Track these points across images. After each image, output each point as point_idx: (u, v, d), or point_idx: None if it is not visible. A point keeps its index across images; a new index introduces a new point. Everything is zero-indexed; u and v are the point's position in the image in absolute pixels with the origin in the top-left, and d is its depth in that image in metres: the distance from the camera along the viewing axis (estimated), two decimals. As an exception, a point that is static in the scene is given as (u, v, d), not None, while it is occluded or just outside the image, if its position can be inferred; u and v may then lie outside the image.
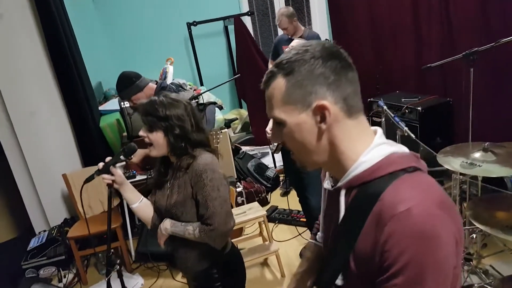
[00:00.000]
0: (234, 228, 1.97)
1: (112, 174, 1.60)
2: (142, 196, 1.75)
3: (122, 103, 3.43)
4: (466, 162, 1.98)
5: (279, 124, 0.83)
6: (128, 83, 2.78)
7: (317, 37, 3.79)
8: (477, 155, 2.01)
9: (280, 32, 4.22)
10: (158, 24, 4.90)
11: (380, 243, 0.70)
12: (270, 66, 4.03)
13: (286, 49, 0.97)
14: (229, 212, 1.58)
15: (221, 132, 3.31)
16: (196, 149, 1.58)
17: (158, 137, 1.55)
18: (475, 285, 2.13)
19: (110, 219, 1.71)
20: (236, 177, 4.03)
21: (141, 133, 1.58)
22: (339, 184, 0.83)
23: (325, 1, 5.24)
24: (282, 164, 4.18)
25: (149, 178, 3.23)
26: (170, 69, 4.46)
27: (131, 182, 3.31)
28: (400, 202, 0.70)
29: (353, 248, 0.77)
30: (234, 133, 5.23)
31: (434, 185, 0.75)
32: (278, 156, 4.83)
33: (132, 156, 1.77)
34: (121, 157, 1.62)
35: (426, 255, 0.67)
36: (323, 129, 0.80)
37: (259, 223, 2.94)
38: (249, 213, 2.82)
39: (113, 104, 4.09)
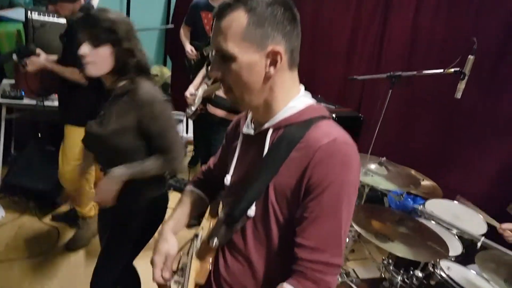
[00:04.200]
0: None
1: None
2: None
3: (29, 13, 2.96)
4: (361, 170, 2.13)
5: (227, 58, 0.82)
6: None
7: None
8: (372, 166, 2.17)
9: None
10: None
11: (307, 170, 0.81)
12: (182, 31, 3.61)
13: None
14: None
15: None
16: (138, 75, 1.45)
17: (104, 53, 1.39)
18: (338, 280, 2.31)
19: None
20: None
21: (83, 50, 1.37)
22: (267, 125, 0.90)
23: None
24: (192, 135, 4.06)
25: (38, 105, 2.86)
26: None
27: (16, 104, 2.96)
28: (325, 136, 0.82)
29: (274, 177, 0.85)
30: (150, 90, 4.91)
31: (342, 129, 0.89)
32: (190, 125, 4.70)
33: (27, 61, 1.51)
34: (14, 56, 1.38)
35: (346, 175, 0.81)
36: (270, 73, 0.84)
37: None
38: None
39: (17, 13, 3.50)
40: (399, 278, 1.92)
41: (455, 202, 2.66)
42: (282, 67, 0.85)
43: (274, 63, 0.83)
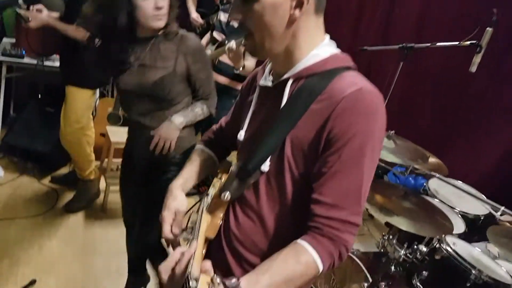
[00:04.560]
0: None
1: None
2: None
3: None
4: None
5: None
6: None
7: None
8: (380, 140, 2.12)
9: None
10: None
11: (329, 122, 0.76)
12: None
13: None
14: None
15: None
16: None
17: (167, 2, 1.41)
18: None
19: None
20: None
21: (163, 3, 1.37)
22: (287, 75, 0.84)
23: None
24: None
25: (38, 65, 2.78)
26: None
27: (16, 63, 2.88)
28: (349, 86, 0.76)
29: (292, 131, 0.80)
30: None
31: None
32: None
33: (29, 16, 1.43)
34: (20, 0, 1.32)
35: (371, 126, 0.75)
36: (295, 16, 0.78)
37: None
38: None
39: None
40: (402, 252, 1.91)
41: (459, 182, 2.64)
42: (308, 10, 0.78)
43: (300, 4, 0.77)
